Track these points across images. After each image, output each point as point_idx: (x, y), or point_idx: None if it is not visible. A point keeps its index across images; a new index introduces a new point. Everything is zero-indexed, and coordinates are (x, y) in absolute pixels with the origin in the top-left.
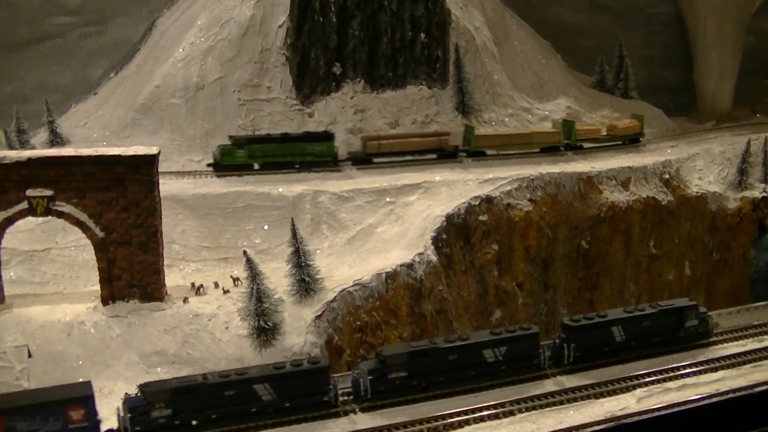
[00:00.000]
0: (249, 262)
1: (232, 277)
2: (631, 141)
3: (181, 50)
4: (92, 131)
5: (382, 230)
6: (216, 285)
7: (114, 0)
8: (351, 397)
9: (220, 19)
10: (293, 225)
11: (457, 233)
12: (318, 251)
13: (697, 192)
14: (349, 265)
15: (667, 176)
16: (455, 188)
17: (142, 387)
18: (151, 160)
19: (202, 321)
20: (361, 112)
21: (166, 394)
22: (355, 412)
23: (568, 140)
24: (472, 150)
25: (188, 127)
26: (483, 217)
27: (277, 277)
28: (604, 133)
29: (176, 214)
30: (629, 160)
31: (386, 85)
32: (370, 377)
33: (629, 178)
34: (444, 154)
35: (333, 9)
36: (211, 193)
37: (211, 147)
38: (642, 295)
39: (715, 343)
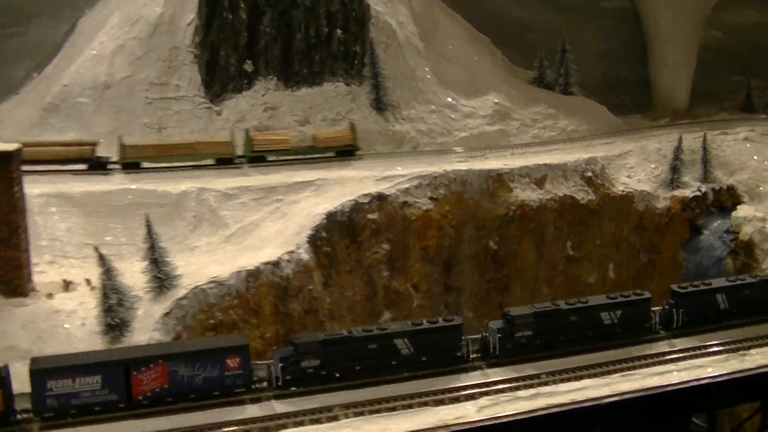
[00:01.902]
0: (101, 258)
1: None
2: (342, 153)
3: (91, 49)
4: (6, 130)
5: (262, 228)
6: (88, 282)
7: (37, 0)
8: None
9: (131, 18)
10: (147, 221)
11: (342, 231)
12: (196, 248)
13: (622, 191)
14: (220, 263)
15: (590, 174)
16: (349, 186)
17: (293, 340)
18: (8, 157)
19: (60, 317)
20: (271, 110)
21: (315, 347)
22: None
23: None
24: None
25: (95, 125)
26: (373, 215)
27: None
28: (301, 144)
29: (64, 211)
30: (548, 157)
31: (302, 82)
32: None
33: (545, 176)
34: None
35: (243, 6)
36: (100, 190)
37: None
38: (557, 298)
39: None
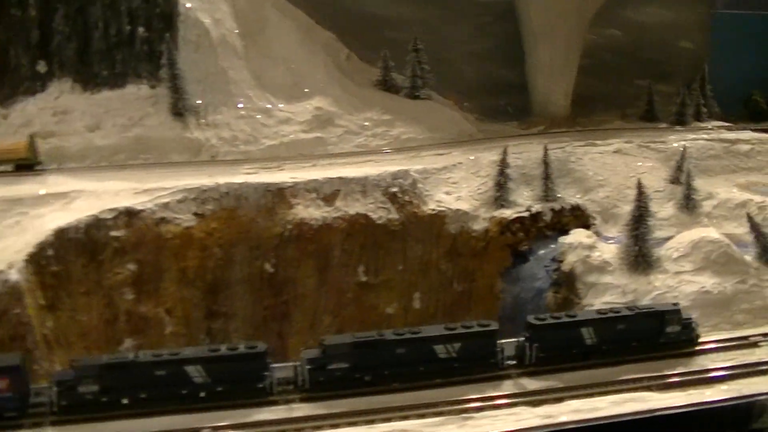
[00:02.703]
0: None
1: None
2: (20, 167)
3: None
4: None
5: None
6: None
7: None
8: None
9: None
10: None
11: (78, 249)
12: None
13: (433, 209)
14: None
15: (395, 190)
16: (104, 198)
17: (72, 363)
18: None
19: None
20: (62, 114)
21: (94, 370)
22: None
23: None
24: None
25: None
26: (117, 232)
27: None
28: None
29: None
30: (350, 170)
31: (102, 84)
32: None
33: (337, 191)
34: None
35: (32, 2)
36: None
37: None
38: (345, 330)
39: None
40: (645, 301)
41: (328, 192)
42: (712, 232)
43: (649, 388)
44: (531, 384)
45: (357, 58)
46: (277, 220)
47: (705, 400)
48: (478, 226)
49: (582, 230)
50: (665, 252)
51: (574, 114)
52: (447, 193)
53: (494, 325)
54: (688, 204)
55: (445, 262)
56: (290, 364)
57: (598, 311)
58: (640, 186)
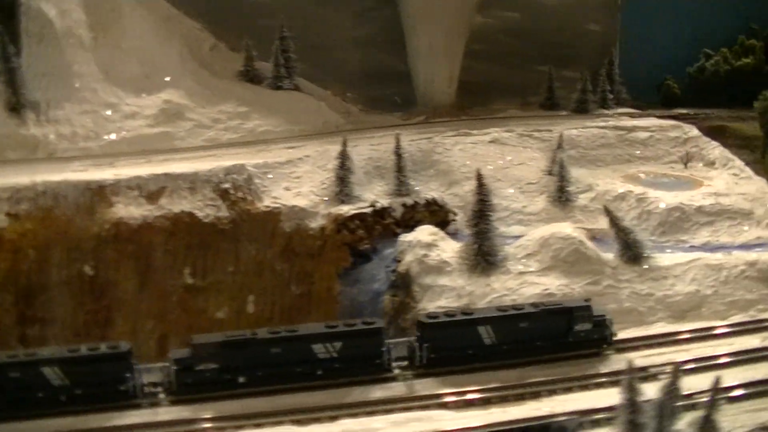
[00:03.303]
0: None
1: None
2: None
3: None
4: None
5: None
6: None
7: None
8: None
9: None
10: None
11: None
12: None
13: (267, 207)
14: None
15: (227, 186)
16: None
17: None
18: None
19: None
20: None
21: None
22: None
23: None
24: None
25: None
26: None
27: None
28: None
29: None
30: (180, 166)
31: None
32: None
33: (164, 188)
34: None
35: None
36: None
37: None
38: (171, 335)
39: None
40: (481, 305)
41: (153, 189)
42: (565, 228)
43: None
44: (421, 386)
45: (227, 48)
46: (96, 219)
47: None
48: (316, 223)
49: (428, 227)
50: (514, 250)
51: (465, 102)
52: (287, 188)
53: (379, 323)
54: (561, 197)
55: (280, 263)
56: (159, 365)
57: (498, 308)
58: (479, 177)
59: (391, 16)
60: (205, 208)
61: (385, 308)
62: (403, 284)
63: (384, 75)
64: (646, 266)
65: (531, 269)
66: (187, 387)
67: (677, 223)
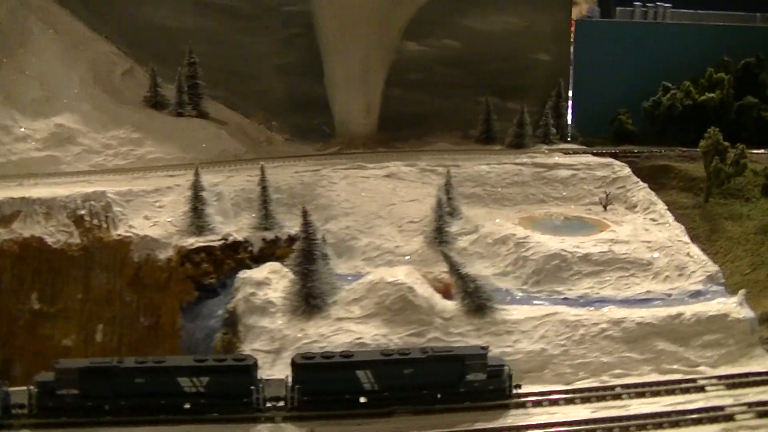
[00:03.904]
0: None
1: None
2: None
3: None
4: None
5: None
6: None
7: None
8: None
9: None
10: None
11: None
12: None
13: (120, 235)
14: None
15: (83, 212)
16: None
17: None
18: None
19: None
20: None
21: None
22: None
23: None
24: None
25: None
26: None
27: None
28: None
29: None
30: (39, 190)
31: None
32: None
33: (18, 212)
34: None
35: None
36: None
37: None
38: (16, 361)
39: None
40: (290, 352)
41: (7, 213)
42: (397, 273)
43: None
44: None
45: (145, 73)
46: None
47: None
48: (164, 255)
49: (272, 264)
50: (345, 294)
51: (395, 134)
52: (146, 217)
53: (250, 360)
54: (439, 239)
55: (130, 293)
56: (25, 388)
57: (382, 352)
58: (305, 214)
59: (316, 44)
60: (56, 233)
61: (216, 347)
62: (231, 323)
63: (309, 104)
64: (489, 319)
65: (352, 315)
66: (48, 411)
67: (555, 272)
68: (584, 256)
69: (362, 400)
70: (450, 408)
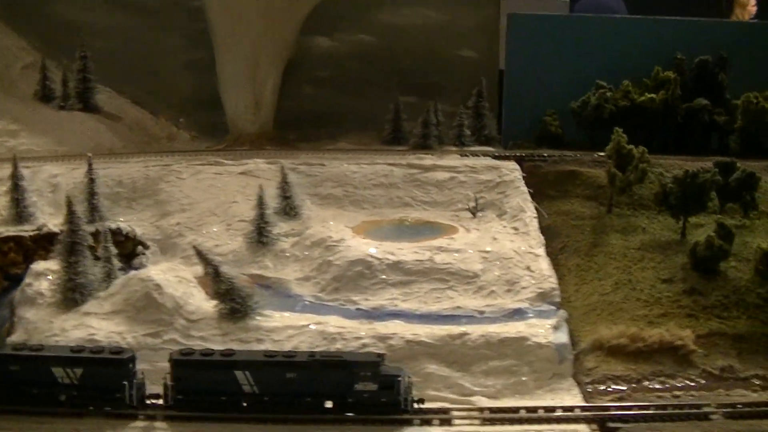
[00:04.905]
0: None
1: None
2: None
3: None
4: None
5: None
6: None
7: None
8: None
9: None
10: None
11: None
12: None
13: None
14: None
15: None
16: None
17: None
18: None
19: None
20: None
21: None
22: None
23: None
24: None
25: None
26: None
27: None
28: None
29: None
30: None
31: None
32: None
33: None
34: None
35: None
36: None
37: None
38: None
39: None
40: (37, 343)
41: None
42: (152, 271)
43: None
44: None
45: (57, 69)
46: None
47: None
48: None
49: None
50: (112, 289)
51: (298, 133)
52: None
53: (127, 354)
54: (260, 239)
55: None
56: None
57: (265, 353)
58: (69, 204)
59: None
60: None
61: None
62: (11, 313)
63: (217, 101)
64: (241, 324)
65: (100, 311)
66: None
67: (356, 279)
68: (394, 264)
69: (244, 404)
70: (338, 419)
